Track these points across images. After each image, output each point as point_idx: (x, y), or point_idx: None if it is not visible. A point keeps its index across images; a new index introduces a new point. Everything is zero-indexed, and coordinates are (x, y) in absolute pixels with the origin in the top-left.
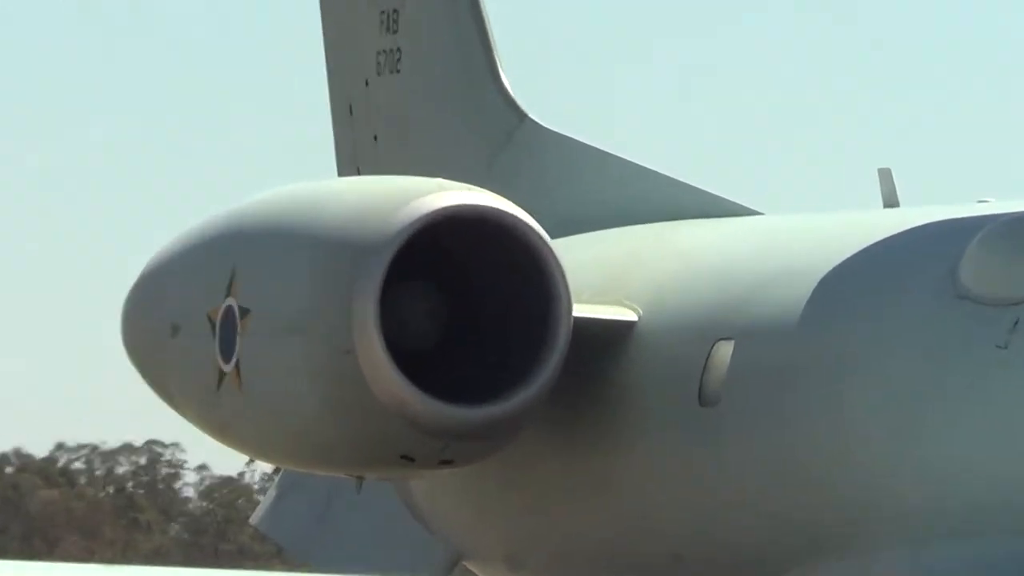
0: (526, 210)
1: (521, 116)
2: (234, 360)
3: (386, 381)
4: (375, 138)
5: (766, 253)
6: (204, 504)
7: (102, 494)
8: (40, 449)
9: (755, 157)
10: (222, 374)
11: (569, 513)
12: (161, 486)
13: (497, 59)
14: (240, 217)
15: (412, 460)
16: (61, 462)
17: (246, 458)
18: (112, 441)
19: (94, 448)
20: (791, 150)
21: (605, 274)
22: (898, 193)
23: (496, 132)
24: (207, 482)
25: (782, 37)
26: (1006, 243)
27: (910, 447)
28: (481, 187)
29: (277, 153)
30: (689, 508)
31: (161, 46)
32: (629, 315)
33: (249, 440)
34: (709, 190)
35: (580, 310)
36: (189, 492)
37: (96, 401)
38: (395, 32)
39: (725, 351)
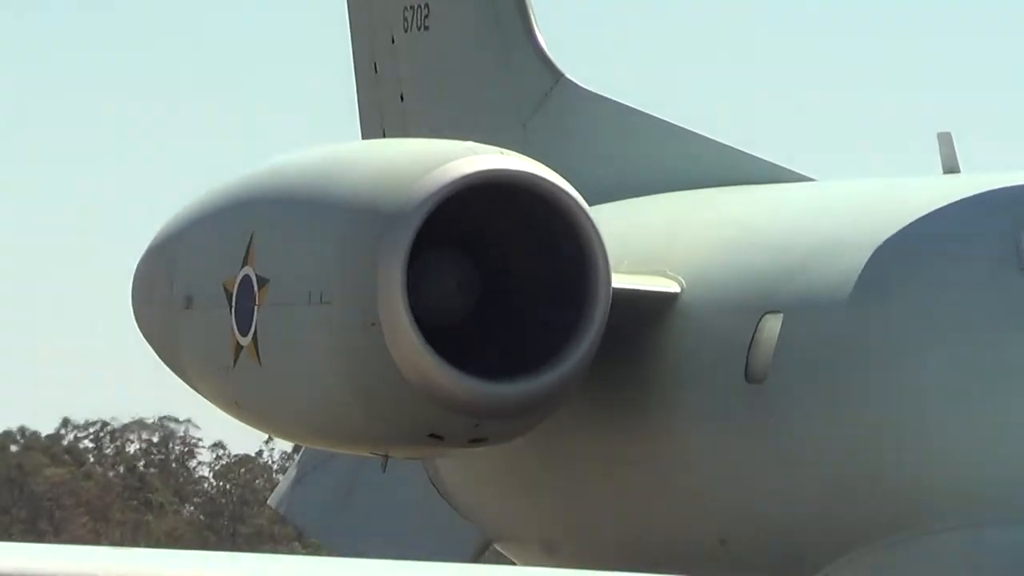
0: (562, 175)
1: (557, 76)
2: (251, 333)
3: (413, 355)
4: (401, 98)
5: (818, 221)
6: (220, 484)
7: (112, 473)
8: (46, 426)
9: (808, 120)
10: (239, 347)
11: (608, 495)
12: (174, 465)
13: (532, 15)
14: (258, 182)
15: (441, 438)
16: (68, 440)
17: (264, 436)
18: (122, 418)
19: (103, 425)
20: (846, 113)
21: (646, 243)
22: (958, 158)
23: (530, 92)
24: (223, 461)
25: None
26: None
27: (969, 425)
28: (514, 150)
29: (297, 114)
30: (735, 490)
31: (179, 2)
32: (672, 286)
33: (267, 417)
34: (757, 154)
35: (620, 281)
36: (204, 471)
37: (105, 376)
38: None
39: (773, 325)
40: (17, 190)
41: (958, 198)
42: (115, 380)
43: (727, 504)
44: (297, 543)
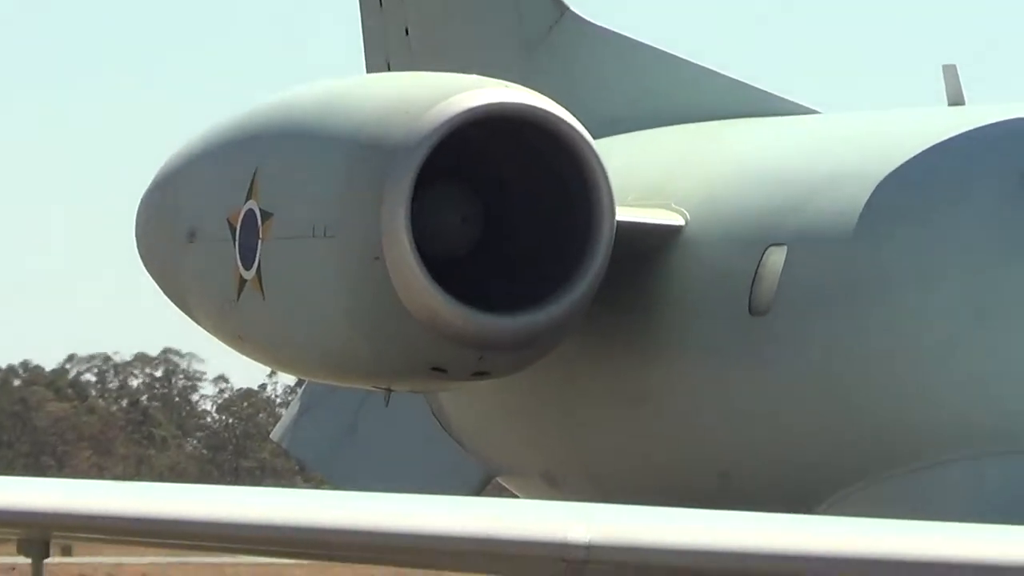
0: (566, 109)
1: (562, 8)
2: (255, 266)
3: (417, 289)
4: (406, 31)
5: (822, 154)
6: (223, 418)
7: (115, 408)
8: (49, 361)
9: (812, 53)
10: (242, 281)
11: (611, 428)
12: (177, 399)
13: None
14: (262, 116)
15: (444, 372)
16: (71, 374)
17: (267, 370)
18: (125, 352)
19: (106, 359)
20: (850, 45)
21: (651, 176)
22: (964, 91)
23: (535, 26)
24: (226, 395)
25: None
26: None
27: (971, 359)
28: (519, 84)
29: (302, 49)
30: (737, 423)
31: None
32: (676, 219)
33: (271, 351)
34: (763, 87)
35: (624, 214)
36: (207, 405)
37: (109, 310)
38: None
39: (777, 258)
40: (20, 123)
41: (963, 131)
42: (119, 315)
43: (729, 437)
44: (299, 477)
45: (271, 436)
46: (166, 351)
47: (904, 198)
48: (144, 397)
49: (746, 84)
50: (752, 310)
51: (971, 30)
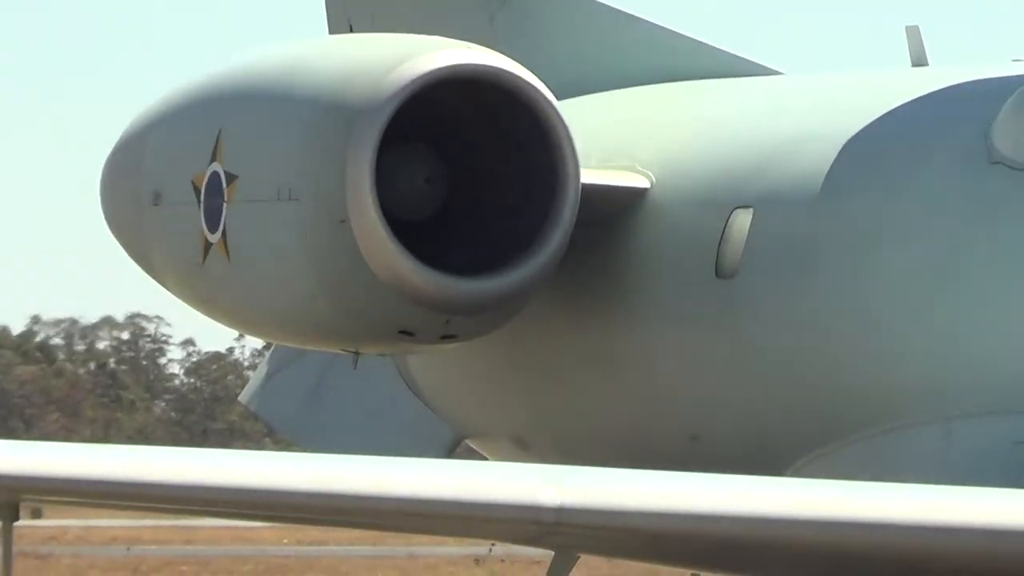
0: (530, 70)
1: None
2: (220, 229)
3: (383, 252)
4: None
5: (787, 116)
6: (191, 381)
7: (82, 371)
8: (16, 324)
9: (775, 13)
10: (208, 244)
11: (579, 391)
12: (145, 362)
13: None
14: (226, 78)
15: (411, 335)
16: (39, 337)
17: (235, 333)
18: (92, 315)
19: (73, 322)
20: (813, 5)
21: (615, 138)
22: (927, 52)
23: None
24: (194, 358)
25: None
26: None
27: (940, 322)
28: (482, 45)
29: (264, 11)
30: (705, 386)
31: None
32: (641, 181)
33: (237, 314)
34: (726, 49)
35: (588, 176)
36: (175, 368)
37: (76, 274)
38: None
39: (743, 220)
40: None
41: (927, 92)
42: (85, 278)
43: (698, 400)
44: (269, 439)
45: (239, 399)
46: (133, 315)
47: (869, 160)
48: (112, 360)
49: (710, 45)
50: (719, 273)
51: None
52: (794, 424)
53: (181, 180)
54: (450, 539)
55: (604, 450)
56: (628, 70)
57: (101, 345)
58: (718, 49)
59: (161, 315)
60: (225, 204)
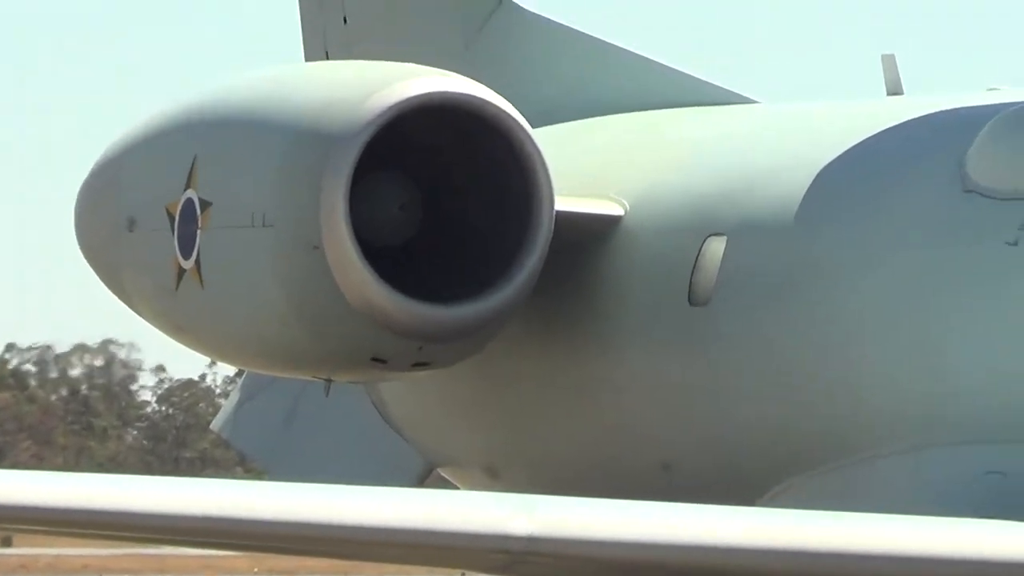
0: (505, 97)
1: None
2: (194, 256)
3: (356, 279)
4: (344, 20)
5: (761, 144)
6: (163, 409)
7: (54, 397)
8: None
9: (750, 42)
10: (181, 271)
11: (551, 419)
12: (117, 389)
13: None
14: (201, 105)
15: (384, 362)
16: (12, 364)
17: (207, 360)
18: (66, 342)
19: (47, 348)
20: (788, 34)
21: (590, 165)
22: (902, 81)
23: (473, 14)
24: (165, 385)
25: None
26: (1017, 133)
27: (912, 351)
28: (457, 73)
29: (240, 38)
30: (678, 414)
31: None
32: (615, 209)
33: (210, 341)
34: (701, 77)
35: (563, 204)
36: (147, 396)
37: (48, 300)
38: None
39: (717, 248)
40: None
41: (902, 120)
42: (58, 304)
43: (670, 429)
44: (240, 467)
45: (211, 426)
46: (106, 341)
47: (843, 188)
48: (84, 387)
49: (685, 73)
50: (692, 300)
51: (910, 20)
52: (766, 453)
53: (156, 206)
54: (421, 568)
55: (576, 479)
56: (603, 98)
57: (74, 372)
58: (693, 77)
59: (133, 342)
60: (199, 230)
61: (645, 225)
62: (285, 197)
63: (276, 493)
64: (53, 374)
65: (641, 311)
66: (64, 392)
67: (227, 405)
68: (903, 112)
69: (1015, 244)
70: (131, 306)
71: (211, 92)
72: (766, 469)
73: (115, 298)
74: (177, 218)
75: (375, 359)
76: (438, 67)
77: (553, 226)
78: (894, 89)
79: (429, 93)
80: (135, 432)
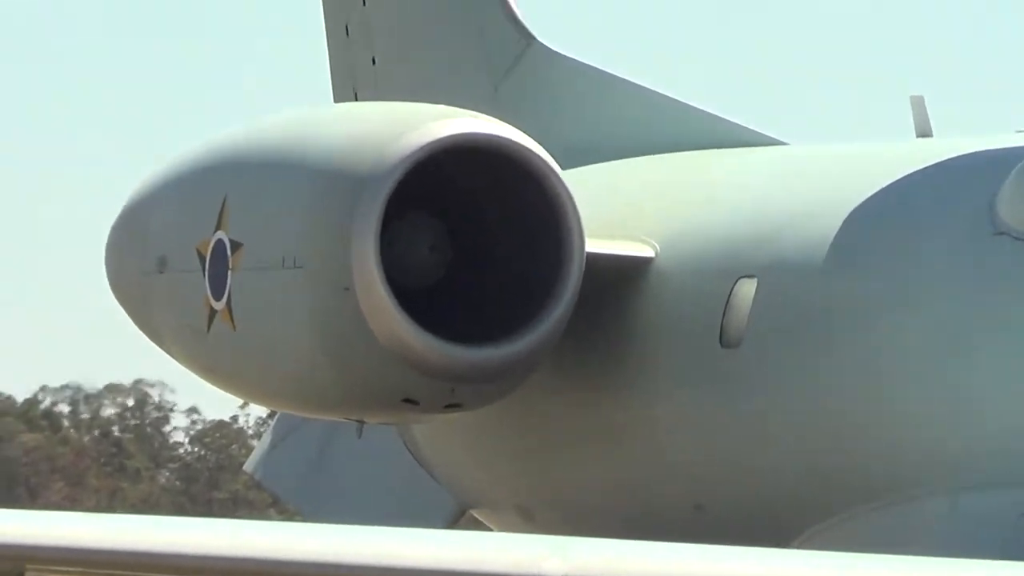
0: (535, 139)
1: (529, 38)
2: (225, 297)
3: (387, 320)
4: (373, 61)
5: (792, 186)
6: (195, 450)
7: (87, 439)
8: (22, 391)
9: (781, 84)
10: (212, 312)
11: (583, 460)
12: (149, 430)
13: None
14: (232, 145)
15: (416, 404)
16: (44, 404)
17: (239, 401)
18: (97, 382)
19: (78, 388)
20: (819, 77)
21: (620, 207)
22: (931, 122)
23: (502, 56)
24: (198, 426)
25: None
26: None
27: (945, 392)
28: (486, 114)
29: (270, 79)
30: (710, 455)
31: None
32: (646, 251)
33: (242, 382)
34: (731, 119)
35: (593, 246)
36: (179, 437)
37: (80, 341)
38: None
39: (748, 289)
40: None
41: (931, 162)
42: (90, 345)
43: (702, 470)
44: (273, 509)
45: (244, 468)
46: (137, 382)
47: (874, 230)
48: (116, 428)
49: (714, 115)
50: (723, 342)
51: (939, 62)
52: (800, 495)
53: (186, 247)
54: None
55: (609, 520)
56: (632, 139)
57: (106, 412)
58: (722, 119)
59: (166, 382)
60: (230, 272)
61: (676, 267)
62: (315, 238)
63: (310, 534)
64: (85, 415)
65: (672, 353)
66: (96, 433)
67: (260, 447)
68: (932, 154)
69: None
70: (163, 347)
71: (241, 133)
72: (799, 511)
73: (147, 339)
74: (208, 259)
75: (407, 400)
76: (467, 108)
77: (584, 268)
78: (923, 131)
79: (459, 134)
80: (167, 473)
